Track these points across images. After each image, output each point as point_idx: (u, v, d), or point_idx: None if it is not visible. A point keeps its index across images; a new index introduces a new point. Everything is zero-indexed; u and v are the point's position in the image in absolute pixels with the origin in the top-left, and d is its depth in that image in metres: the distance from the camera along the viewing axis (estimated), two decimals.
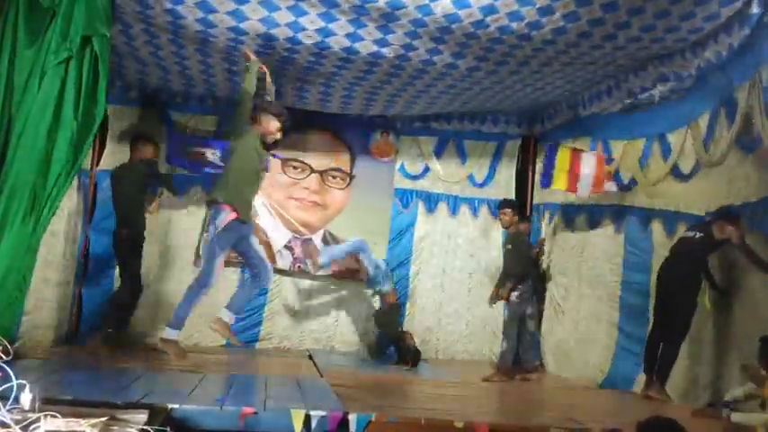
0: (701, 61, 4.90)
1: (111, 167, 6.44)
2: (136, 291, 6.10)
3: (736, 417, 4.10)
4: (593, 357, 6.18)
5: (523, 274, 6.10)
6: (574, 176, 6.12)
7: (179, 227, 7.01)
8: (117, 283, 6.46)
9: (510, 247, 6.24)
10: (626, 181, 6.07)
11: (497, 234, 7.53)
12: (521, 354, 6.21)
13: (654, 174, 5.62)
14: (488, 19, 4.66)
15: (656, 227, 5.68)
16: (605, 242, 6.29)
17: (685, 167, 5.32)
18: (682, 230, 5.26)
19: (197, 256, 6.93)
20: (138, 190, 6.06)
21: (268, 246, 7.10)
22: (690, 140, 5.19)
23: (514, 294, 6.07)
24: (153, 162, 6.25)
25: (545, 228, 7.25)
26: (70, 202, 5.95)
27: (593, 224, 6.48)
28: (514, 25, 4.72)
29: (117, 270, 6.31)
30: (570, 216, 6.86)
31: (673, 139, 5.46)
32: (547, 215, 7.26)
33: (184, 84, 6.55)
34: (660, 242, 5.58)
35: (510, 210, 6.33)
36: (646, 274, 5.66)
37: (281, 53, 5.39)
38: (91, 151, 6.23)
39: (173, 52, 5.63)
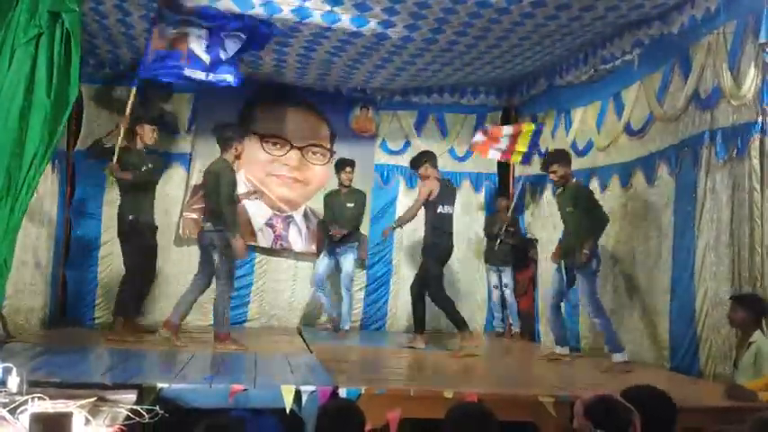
0: (676, 27, 4.93)
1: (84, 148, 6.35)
2: (145, 279, 5.96)
3: None
4: None
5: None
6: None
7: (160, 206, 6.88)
8: (101, 266, 6.45)
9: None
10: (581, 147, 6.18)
11: (479, 208, 7.56)
12: None
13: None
14: None
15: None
16: None
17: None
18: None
19: (177, 236, 6.91)
20: (149, 176, 5.85)
21: (248, 224, 7.06)
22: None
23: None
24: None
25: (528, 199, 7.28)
26: (43, 183, 5.82)
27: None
28: None
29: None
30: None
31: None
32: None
33: None
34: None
35: (557, 165, 5.29)
36: None
37: (254, 30, 5.30)
38: (66, 132, 6.09)
39: (146, 29, 5.50)
